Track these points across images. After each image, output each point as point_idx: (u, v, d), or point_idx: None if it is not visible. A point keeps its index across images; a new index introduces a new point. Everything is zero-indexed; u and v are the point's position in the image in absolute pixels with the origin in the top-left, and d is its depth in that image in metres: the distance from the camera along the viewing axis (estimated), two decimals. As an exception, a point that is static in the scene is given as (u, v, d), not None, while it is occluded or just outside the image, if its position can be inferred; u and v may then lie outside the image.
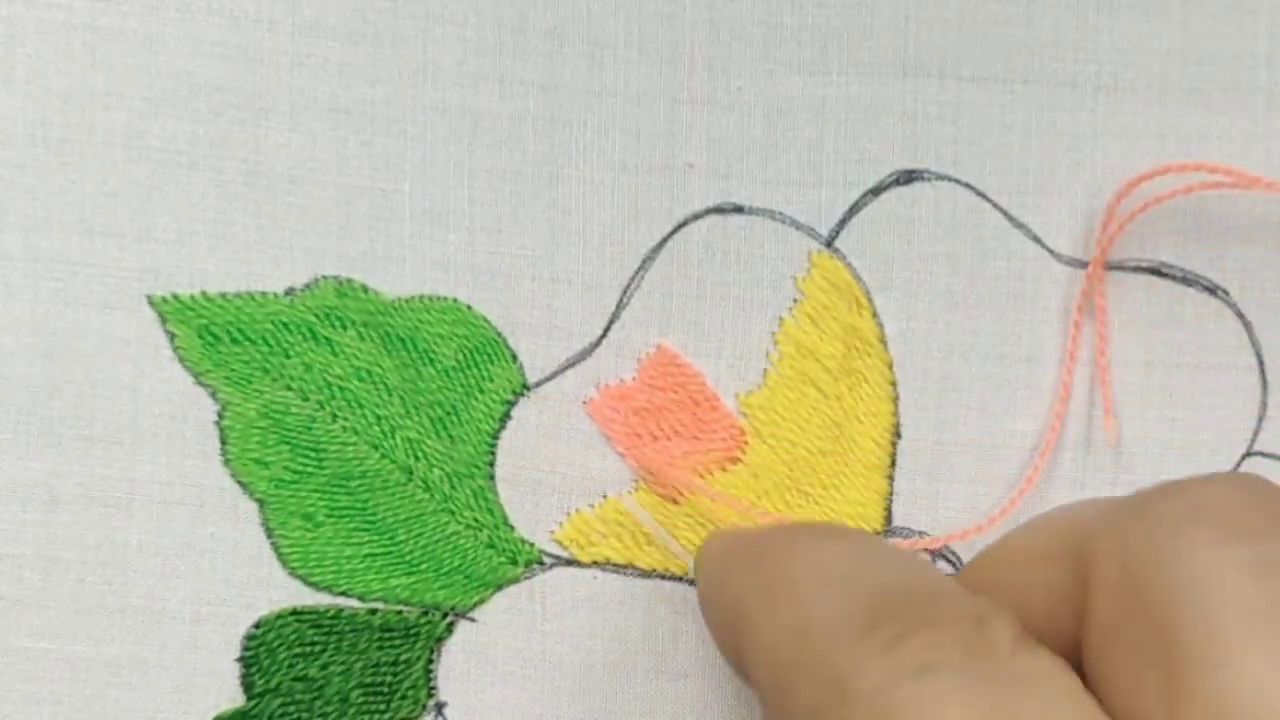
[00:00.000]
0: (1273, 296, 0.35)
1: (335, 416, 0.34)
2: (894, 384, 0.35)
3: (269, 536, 0.34)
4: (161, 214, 0.34)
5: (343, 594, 0.34)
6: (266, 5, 0.34)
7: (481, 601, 0.34)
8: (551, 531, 0.34)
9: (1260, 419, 0.35)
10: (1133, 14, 0.35)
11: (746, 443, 0.35)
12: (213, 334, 0.34)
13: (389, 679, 0.34)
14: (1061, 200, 0.35)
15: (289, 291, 0.34)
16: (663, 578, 0.35)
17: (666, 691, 0.35)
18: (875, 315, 0.35)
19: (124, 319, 0.34)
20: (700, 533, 0.34)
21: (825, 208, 0.35)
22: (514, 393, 0.34)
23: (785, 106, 0.35)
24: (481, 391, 0.34)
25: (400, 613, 0.34)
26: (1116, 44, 0.35)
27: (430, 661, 0.34)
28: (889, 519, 0.35)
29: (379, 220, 0.34)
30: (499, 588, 0.34)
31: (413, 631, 0.34)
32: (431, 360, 0.34)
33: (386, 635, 0.34)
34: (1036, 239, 0.35)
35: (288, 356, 0.34)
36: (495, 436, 0.34)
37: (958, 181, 0.35)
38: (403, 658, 0.34)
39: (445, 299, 0.34)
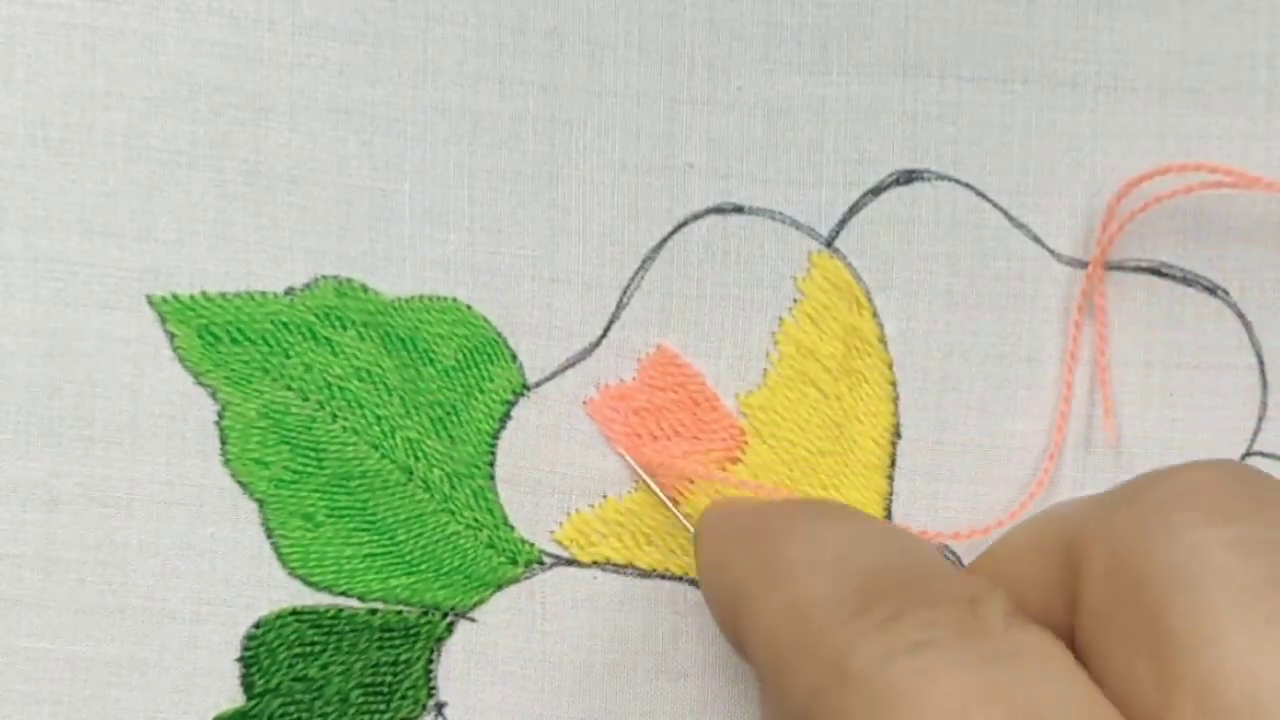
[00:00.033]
0: (1273, 296, 0.35)
1: (335, 416, 0.34)
2: (894, 384, 0.35)
3: (269, 536, 0.34)
4: (161, 214, 0.34)
5: (343, 594, 0.34)
6: (266, 5, 0.34)
7: (481, 601, 0.34)
8: (551, 531, 0.34)
9: (1260, 419, 0.35)
10: (1133, 14, 0.35)
11: (746, 443, 0.35)
12: (213, 334, 0.34)
13: (389, 679, 0.34)
14: (1061, 200, 0.35)
15: (289, 291, 0.34)
16: (663, 578, 0.35)
17: (666, 691, 0.35)
18: (875, 315, 0.35)
19: (124, 319, 0.34)
20: (700, 533, 0.34)
21: (825, 208, 0.35)
22: (514, 393, 0.34)
23: (785, 106, 0.35)
24: (481, 391, 0.34)
25: (400, 613, 0.34)
26: (1116, 44, 0.35)
27: (430, 661, 0.34)
28: (889, 519, 0.35)
29: (379, 220, 0.34)
30: (499, 588, 0.34)
31: (413, 631, 0.34)
32: (431, 360, 0.34)
33: (386, 635, 0.34)
34: (1036, 239, 0.35)
35: (288, 356, 0.34)
36: (495, 436, 0.34)
37: (958, 181, 0.35)
38: (403, 658, 0.34)
39: (445, 299, 0.34)
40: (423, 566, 0.34)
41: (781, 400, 0.35)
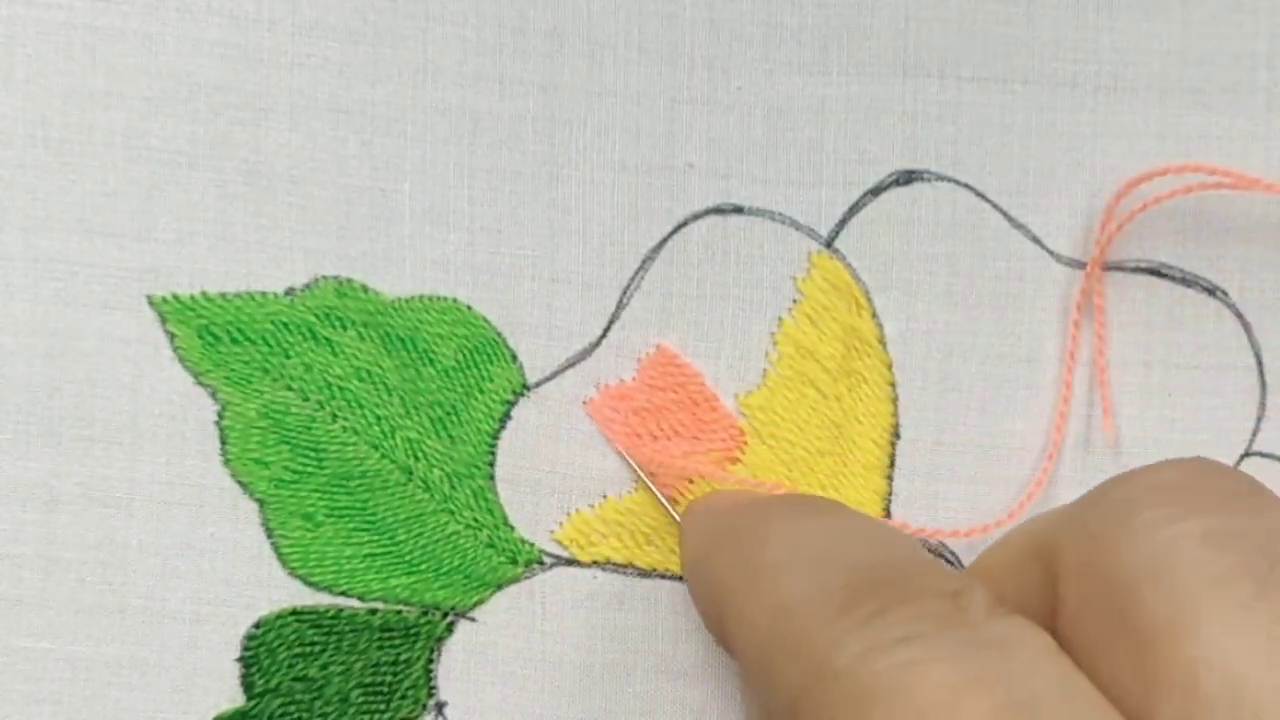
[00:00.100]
0: (1272, 297, 0.35)
1: (335, 416, 0.34)
2: (893, 384, 0.35)
3: (269, 536, 0.34)
4: (161, 214, 0.34)
5: (343, 594, 0.34)
6: (266, 5, 0.34)
7: (481, 601, 0.34)
8: (551, 531, 0.34)
9: (1259, 419, 0.35)
10: (1133, 14, 0.35)
11: (746, 443, 0.35)
12: (213, 334, 0.34)
13: (389, 679, 0.34)
14: (1061, 200, 0.35)
15: (289, 291, 0.34)
16: (663, 577, 0.35)
17: (666, 691, 0.35)
18: (875, 316, 0.35)
19: (124, 319, 0.33)
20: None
21: (825, 208, 0.35)
22: (514, 393, 0.34)
23: (785, 106, 0.35)
24: (481, 391, 0.34)
25: (400, 613, 0.34)
26: (1116, 44, 0.35)
27: (430, 661, 0.34)
28: (888, 519, 0.35)
29: (379, 220, 0.34)
30: (499, 588, 0.34)
31: (413, 631, 0.34)
32: (431, 360, 0.34)
33: (386, 635, 0.34)
34: (1036, 239, 0.35)
35: (288, 356, 0.34)
36: (495, 436, 0.34)
37: (957, 182, 0.35)
38: (403, 658, 0.34)
39: (445, 299, 0.34)
40: (423, 566, 0.34)
41: (781, 400, 0.35)
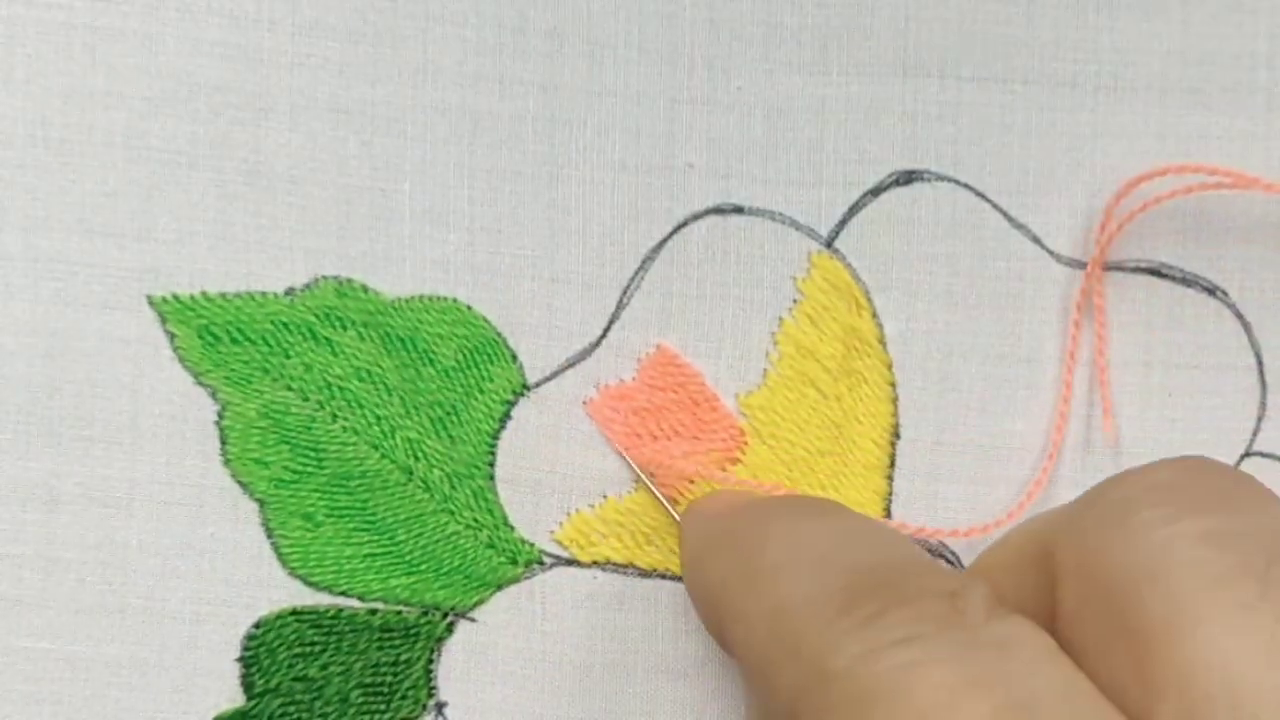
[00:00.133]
0: (1272, 297, 0.35)
1: (335, 416, 0.34)
2: (893, 384, 0.35)
3: (269, 536, 0.34)
4: (161, 214, 0.34)
5: (343, 594, 0.34)
6: (266, 5, 0.34)
7: (481, 601, 0.34)
8: (551, 531, 0.34)
9: (1259, 419, 0.35)
10: (1133, 14, 0.35)
11: (746, 443, 0.35)
12: (213, 334, 0.34)
13: (389, 679, 0.34)
14: (1061, 200, 0.35)
15: (289, 291, 0.34)
16: (663, 577, 0.35)
17: (666, 691, 0.35)
18: (875, 316, 0.35)
19: (124, 319, 0.33)
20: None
21: (825, 208, 0.35)
22: (514, 393, 0.34)
23: (785, 106, 0.35)
24: (481, 391, 0.34)
25: (400, 613, 0.34)
26: (1116, 44, 0.35)
27: (430, 661, 0.34)
28: (888, 519, 0.35)
29: (379, 220, 0.34)
30: (499, 588, 0.34)
31: (413, 631, 0.34)
32: (431, 360, 0.34)
33: (386, 635, 0.34)
34: (1036, 239, 0.35)
35: (288, 356, 0.34)
36: (495, 436, 0.34)
37: (957, 182, 0.35)
38: (403, 658, 0.34)
39: (445, 299, 0.34)
40: (423, 566, 0.34)
41: (781, 400, 0.35)
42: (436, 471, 0.34)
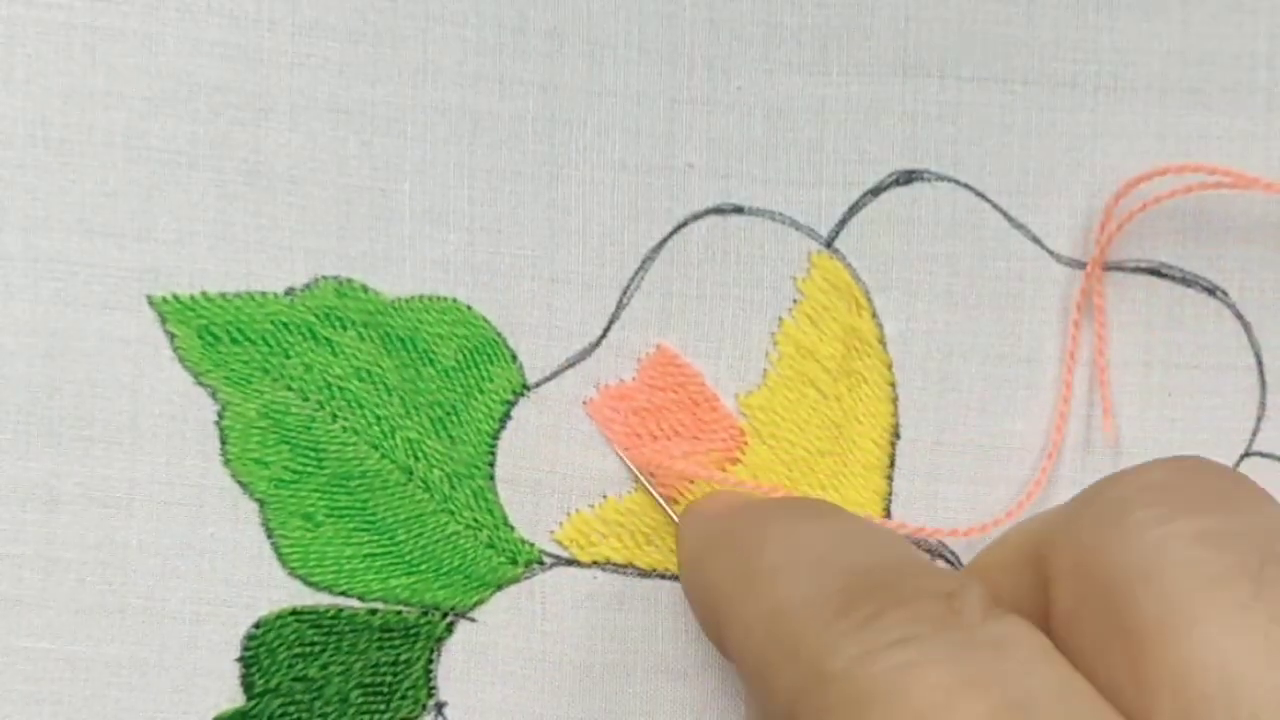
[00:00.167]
0: (1272, 297, 0.35)
1: (335, 416, 0.34)
2: (893, 384, 0.35)
3: (269, 536, 0.34)
4: (161, 214, 0.34)
5: (343, 594, 0.34)
6: (266, 5, 0.34)
7: (481, 601, 0.34)
8: (551, 531, 0.34)
9: (1259, 419, 0.35)
10: (1133, 14, 0.35)
11: (746, 443, 0.35)
12: (213, 334, 0.34)
13: (389, 679, 0.34)
14: (1061, 200, 0.35)
15: (289, 291, 0.34)
16: (663, 577, 0.35)
17: (666, 691, 0.35)
18: (875, 316, 0.35)
19: (124, 319, 0.33)
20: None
21: (825, 208, 0.35)
22: (514, 393, 0.34)
23: (785, 106, 0.35)
24: (481, 391, 0.34)
25: (400, 613, 0.34)
26: (1116, 44, 0.35)
27: (430, 661, 0.34)
28: (888, 519, 0.35)
29: (379, 220, 0.34)
30: (499, 588, 0.34)
31: (413, 631, 0.34)
32: (431, 360, 0.34)
33: (386, 635, 0.34)
34: (1036, 239, 0.35)
35: (288, 356, 0.34)
36: (495, 436, 0.34)
37: (957, 182, 0.35)
38: (403, 658, 0.34)
39: (445, 299, 0.34)
40: (423, 566, 0.34)
41: (781, 401, 0.35)
42: (436, 471, 0.34)
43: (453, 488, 0.34)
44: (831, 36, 0.35)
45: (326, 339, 0.34)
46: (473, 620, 0.34)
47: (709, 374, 0.35)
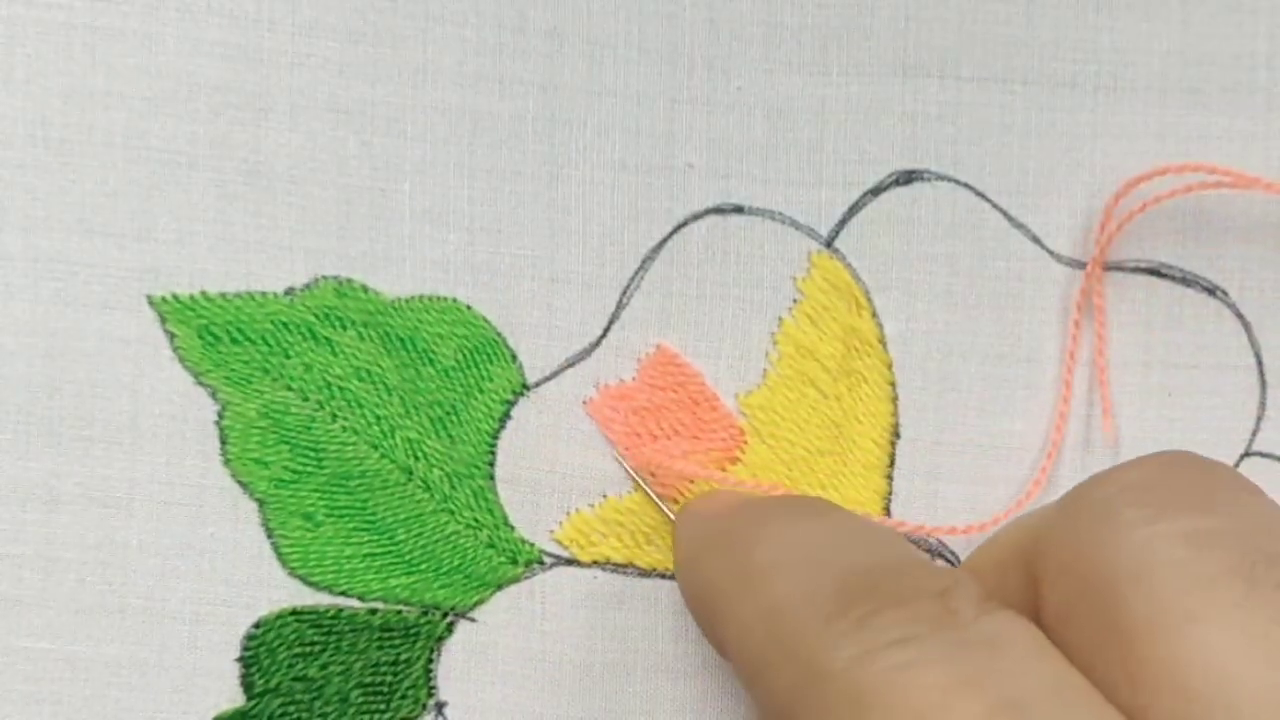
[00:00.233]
0: (1271, 297, 0.35)
1: (335, 416, 0.34)
2: (893, 384, 0.35)
3: (269, 536, 0.34)
4: (161, 214, 0.34)
5: (343, 594, 0.34)
6: (266, 5, 0.34)
7: (481, 601, 0.34)
8: (551, 531, 0.35)
9: (1259, 419, 0.35)
10: (1133, 14, 0.35)
11: (746, 443, 0.35)
12: (213, 334, 0.34)
13: (389, 679, 0.34)
14: (1061, 200, 0.35)
15: (289, 291, 0.34)
16: (663, 577, 0.35)
17: (666, 690, 0.35)
18: (875, 315, 0.35)
19: (124, 319, 0.33)
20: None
21: (825, 208, 0.35)
22: (514, 393, 0.34)
23: (785, 106, 0.35)
24: (481, 391, 0.34)
25: (400, 613, 0.34)
26: (1116, 44, 0.35)
27: (430, 661, 0.34)
28: (887, 519, 0.35)
29: (379, 220, 0.34)
30: (499, 587, 0.34)
31: (413, 631, 0.34)
32: (431, 360, 0.34)
33: (386, 635, 0.34)
34: (1036, 239, 0.35)
35: (288, 356, 0.34)
36: (495, 436, 0.34)
37: (957, 182, 0.35)
38: (403, 657, 0.34)
39: (445, 299, 0.34)
40: (423, 566, 0.34)
41: (781, 400, 0.35)
42: (436, 471, 0.34)
43: (453, 487, 0.34)
44: (831, 36, 0.35)
45: (326, 339, 0.34)
46: (473, 620, 0.34)
47: (709, 374, 0.35)
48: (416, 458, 0.34)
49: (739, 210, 0.35)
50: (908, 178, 0.35)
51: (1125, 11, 0.35)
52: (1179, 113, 0.35)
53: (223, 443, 0.34)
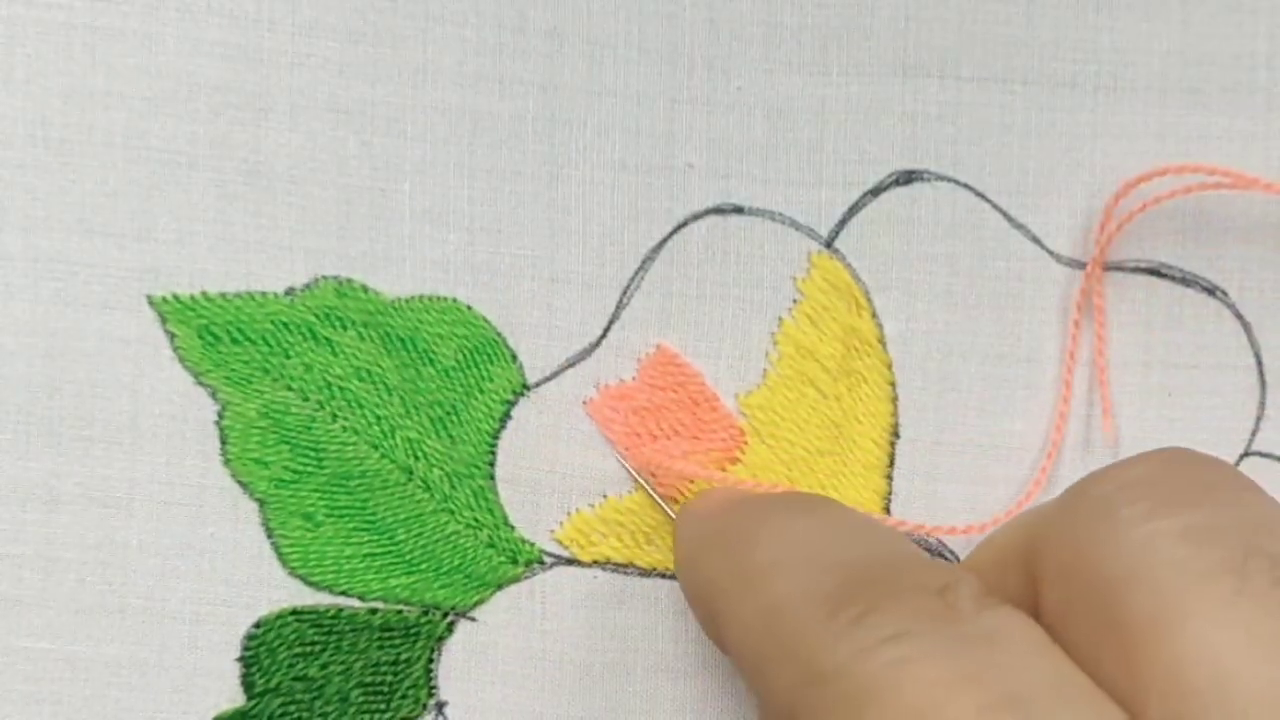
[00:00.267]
0: (1271, 297, 0.35)
1: (335, 416, 0.34)
2: (893, 384, 0.35)
3: (269, 536, 0.34)
4: (161, 214, 0.34)
5: (343, 594, 0.34)
6: (266, 5, 0.34)
7: (482, 601, 0.34)
8: (551, 531, 0.35)
9: (1258, 419, 0.35)
10: (1133, 14, 0.35)
11: (746, 443, 0.35)
12: (213, 334, 0.34)
13: (389, 679, 0.34)
14: (1061, 200, 0.35)
15: (289, 291, 0.34)
16: (663, 577, 0.35)
17: (666, 690, 0.35)
18: (875, 316, 0.35)
19: (124, 319, 0.33)
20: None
21: (825, 208, 0.35)
22: (514, 393, 0.34)
23: (785, 106, 0.35)
24: (481, 391, 0.34)
25: (400, 612, 0.34)
26: (1116, 44, 0.35)
27: (430, 661, 0.34)
28: (887, 519, 0.35)
29: (379, 220, 0.34)
30: (499, 587, 0.34)
31: (413, 631, 0.34)
32: (431, 360, 0.34)
33: (386, 635, 0.34)
34: (1036, 239, 0.35)
35: (288, 356, 0.34)
36: (495, 436, 0.34)
37: (957, 182, 0.35)
38: (403, 657, 0.34)
39: (445, 299, 0.34)
40: (423, 566, 0.34)
41: (781, 400, 0.35)
42: (436, 471, 0.34)
43: (453, 487, 0.34)
44: (831, 36, 0.35)
45: (326, 339, 0.34)
46: (473, 620, 0.34)
47: (709, 374, 0.35)
48: (417, 458, 0.34)
49: (739, 210, 0.35)
50: (908, 178, 0.35)
51: (1125, 11, 0.35)
52: (1179, 113, 0.35)
53: (223, 443, 0.34)
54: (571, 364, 0.34)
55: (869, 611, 0.26)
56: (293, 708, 0.34)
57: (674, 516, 0.34)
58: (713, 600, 0.30)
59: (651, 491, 0.34)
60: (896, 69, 0.35)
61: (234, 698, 0.34)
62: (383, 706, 0.34)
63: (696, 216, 0.35)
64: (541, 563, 0.34)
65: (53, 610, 0.34)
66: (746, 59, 0.35)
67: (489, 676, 0.34)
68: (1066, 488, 0.29)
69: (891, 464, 0.35)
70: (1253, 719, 0.24)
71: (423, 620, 0.34)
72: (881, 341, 0.35)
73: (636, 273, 0.35)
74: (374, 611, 0.34)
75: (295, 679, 0.34)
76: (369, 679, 0.34)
